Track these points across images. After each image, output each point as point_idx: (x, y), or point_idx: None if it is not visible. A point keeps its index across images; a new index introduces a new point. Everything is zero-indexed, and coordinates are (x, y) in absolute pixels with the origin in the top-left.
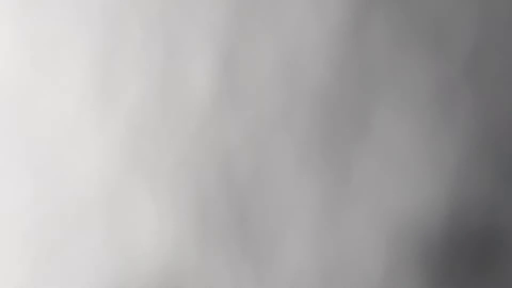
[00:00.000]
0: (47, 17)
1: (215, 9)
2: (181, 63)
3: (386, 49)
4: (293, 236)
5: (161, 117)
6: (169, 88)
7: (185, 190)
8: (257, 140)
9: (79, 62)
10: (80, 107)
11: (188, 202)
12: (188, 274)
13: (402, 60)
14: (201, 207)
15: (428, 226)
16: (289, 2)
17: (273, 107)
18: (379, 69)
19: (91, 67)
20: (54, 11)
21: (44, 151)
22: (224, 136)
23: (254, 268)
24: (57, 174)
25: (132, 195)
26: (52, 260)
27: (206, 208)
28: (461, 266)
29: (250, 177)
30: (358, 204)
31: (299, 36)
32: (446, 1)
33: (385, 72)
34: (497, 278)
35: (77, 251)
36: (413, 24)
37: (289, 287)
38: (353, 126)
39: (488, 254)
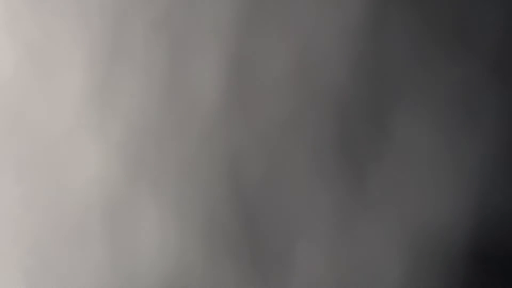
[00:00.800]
0: (46, 18)
1: (222, 7)
2: (186, 63)
3: (405, 49)
4: (304, 245)
5: (165, 120)
6: (174, 90)
7: (190, 196)
8: (266, 145)
9: (80, 64)
10: (80, 111)
11: (194, 209)
12: (194, 284)
13: (422, 60)
14: (207, 215)
15: (451, 237)
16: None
17: (284, 110)
18: (397, 70)
19: (92, 68)
20: (53, 12)
21: (44, 155)
22: (231, 140)
23: (263, 281)
24: (58, 179)
25: (134, 202)
26: (50, 267)
27: (212, 216)
28: (485, 278)
29: (259, 184)
30: (375, 213)
31: (312, 35)
32: (469, 0)
33: (404, 73)
34: None
35: (77, 258)
36: (434, 22)
37: None
38: (369, 130)
39: None
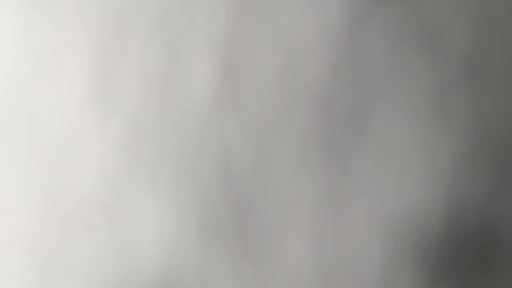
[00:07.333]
0: (48, 19)
1: (214, 11)
2: (181, 64)
3: (384, 50)
4: (293, 234)
5: (161, 117)
6: (170, 89)
7: (186, 190)
8: (257, 140)
9: (81, 64)
10: (81, 109)
11: (189, 202)
12: (189, 274)
13: (400, 61)
14: (202, 207)
15: (426, 225)
16: (288, 3)
17: (273, 107)
18: (377, 70)
19: (92, 68)
20: (56, 13)
21: (46, 152)
22: (224, 136)
23: (254, 267)
24: (59, 174)
25: (133, 196)
26: (54, 260)
27: (207, 208)
28: (457, 264)
29: (250, 177)
30: (357, 203)
31: (298, 36)
32: (444, 3)
33: (383, 73)
34: (494, 278)
35: (79, 251)
36: (411, 25)
37: (290, 285)
38: (352, 126)
39: (485, 254)
